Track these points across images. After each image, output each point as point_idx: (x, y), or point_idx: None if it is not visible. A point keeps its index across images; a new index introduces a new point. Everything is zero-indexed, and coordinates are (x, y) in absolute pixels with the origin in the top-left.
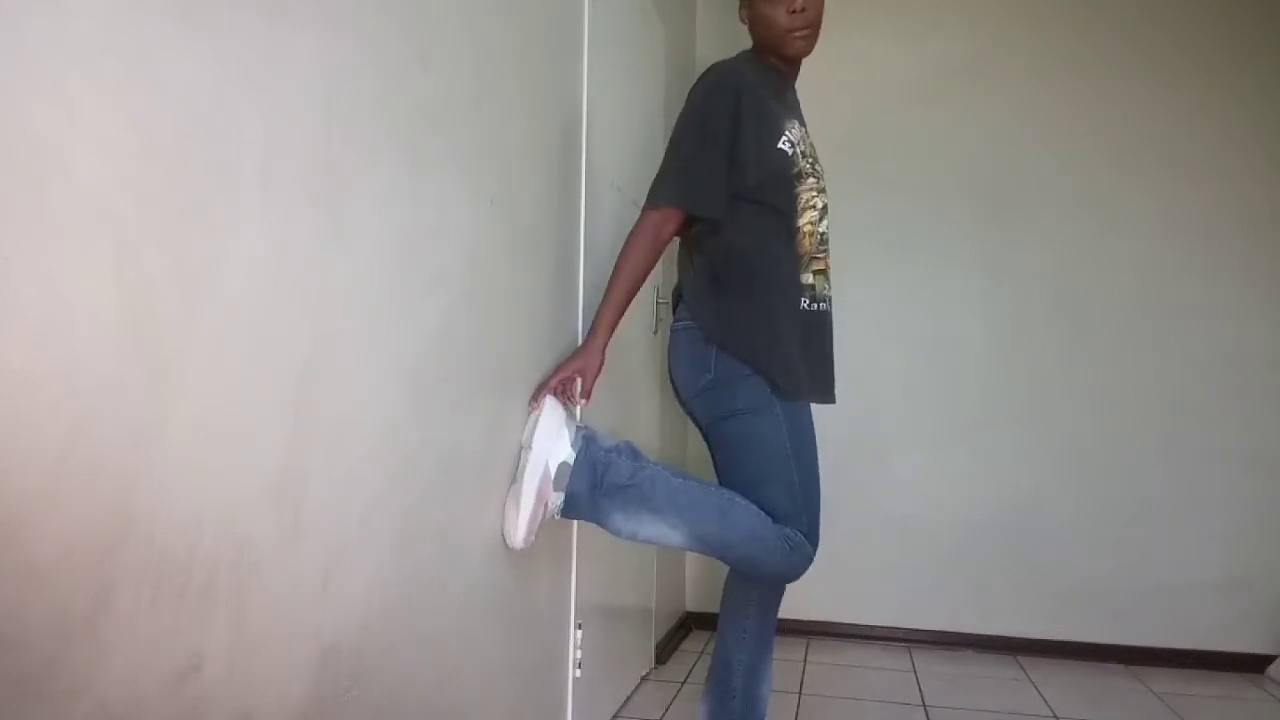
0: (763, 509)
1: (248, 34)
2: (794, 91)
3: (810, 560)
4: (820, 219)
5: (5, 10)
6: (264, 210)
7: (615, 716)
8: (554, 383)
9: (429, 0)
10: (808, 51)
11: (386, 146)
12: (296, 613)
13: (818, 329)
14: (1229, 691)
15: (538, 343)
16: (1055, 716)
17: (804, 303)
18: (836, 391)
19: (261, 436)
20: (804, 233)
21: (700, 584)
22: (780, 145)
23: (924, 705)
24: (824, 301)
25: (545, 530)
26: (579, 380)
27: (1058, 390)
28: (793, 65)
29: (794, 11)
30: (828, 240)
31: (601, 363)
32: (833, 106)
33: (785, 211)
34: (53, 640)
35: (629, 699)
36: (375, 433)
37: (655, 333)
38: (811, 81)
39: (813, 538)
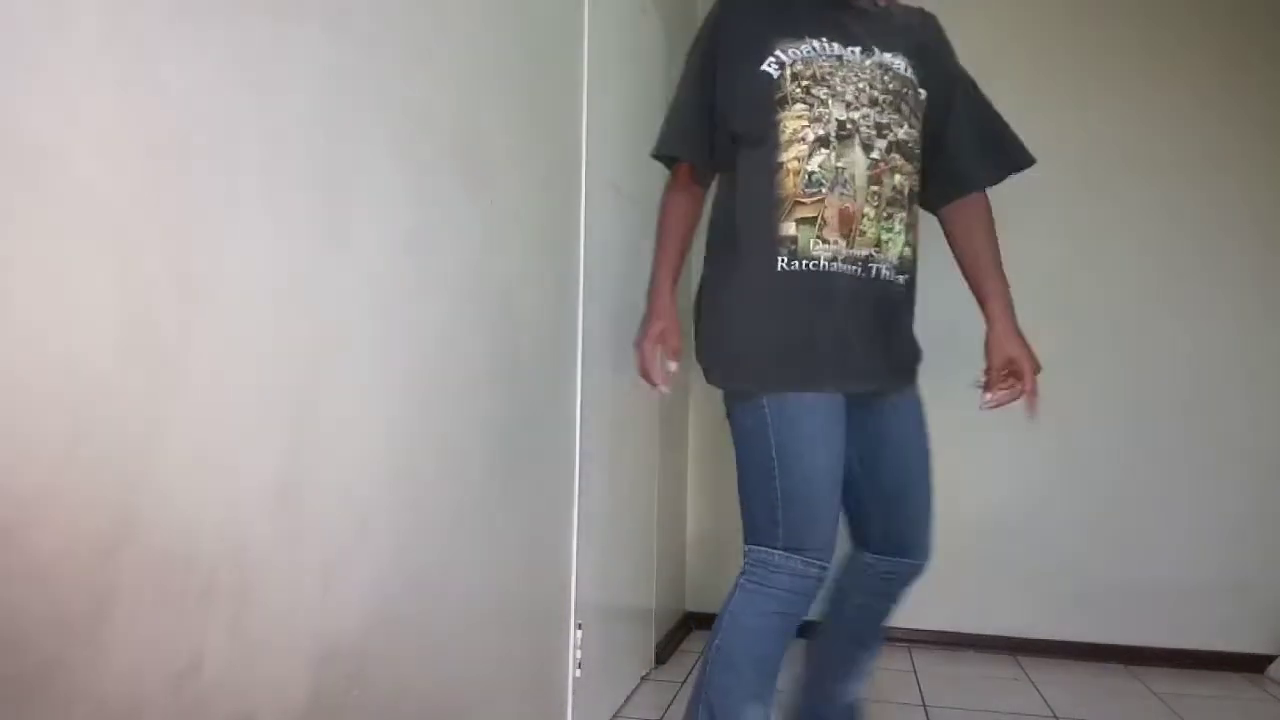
0: (746, 528)
1: (248, 34)
2: (859, 11)
3: (817, 579)
4: (811, 153)
5: (5, 10)
6: (264, 210)
7: (615, 716)
8: (648, 352)
9: (429, 0)
10: None
11: (386, 146)
12: (296, 613)
13: (832, 292)
14: (1229, 691)
15: (538, 343)
16: (1055, 716)
17: (781, 261)
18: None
19: (262, 437)
20: (786, 170)
21: (700, 584)
22: (764, 67)
23: (924, 705)
24: (826, 260)
25: (545, 530)
26: (666, 343)
27: (1058, 390)
28: None
29: None
30: (825, 181)
31: (673, 317)
32: None
33: (765, 146)
34: (53, 640)
35: (629, 699)
36: (375, 433)
37: None
38: None
39: (821, 549)
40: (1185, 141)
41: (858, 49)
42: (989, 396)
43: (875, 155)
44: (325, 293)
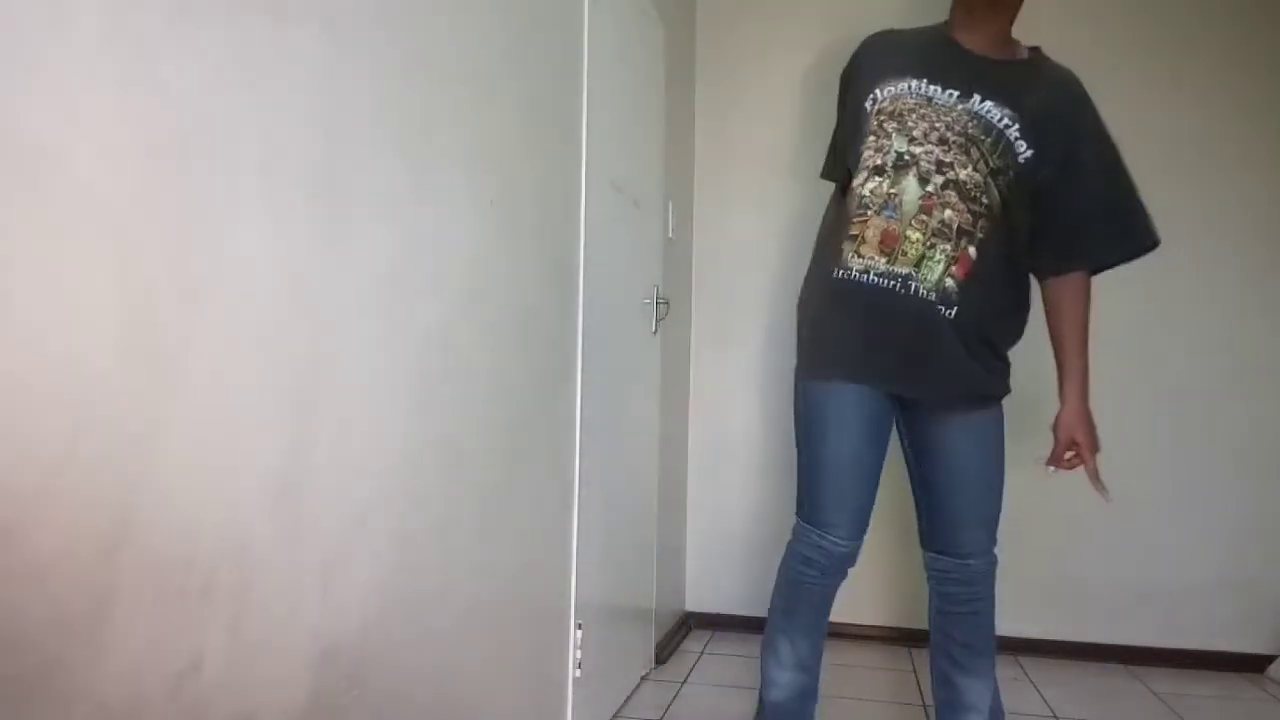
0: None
1: (248, 34)
2: (978, 59)
3: (828, 553)
4: (867, 180)
5: (5, 11)
6: (264, 210)
7: (615, 716)
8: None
9: (428, 0)
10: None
11: (386, 147)
12: (296, 613)
13: (868, 301)
14: (1229, 691)
15: (538, 343)
16: (1055, 716)
17: (835, 272)
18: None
19: (261, 437)
20: (852, 193)
21: (700, 584)
22: (865, 103)
23: (924, 705)
24: (859, 271)
25: (545, 530)
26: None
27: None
28: (989, 20)
29: None
30: (873, 205)
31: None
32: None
33: (852, 172)
34: (53, 640)
35: (629, 699)
36: (375, 433)
37: (654, 332)
38: (813, 81)
39: (836, 526)
40: (1185, 142)
41: (955, 93)
42: (1051, 469)
43: (930, 188)
44: (325, 293)
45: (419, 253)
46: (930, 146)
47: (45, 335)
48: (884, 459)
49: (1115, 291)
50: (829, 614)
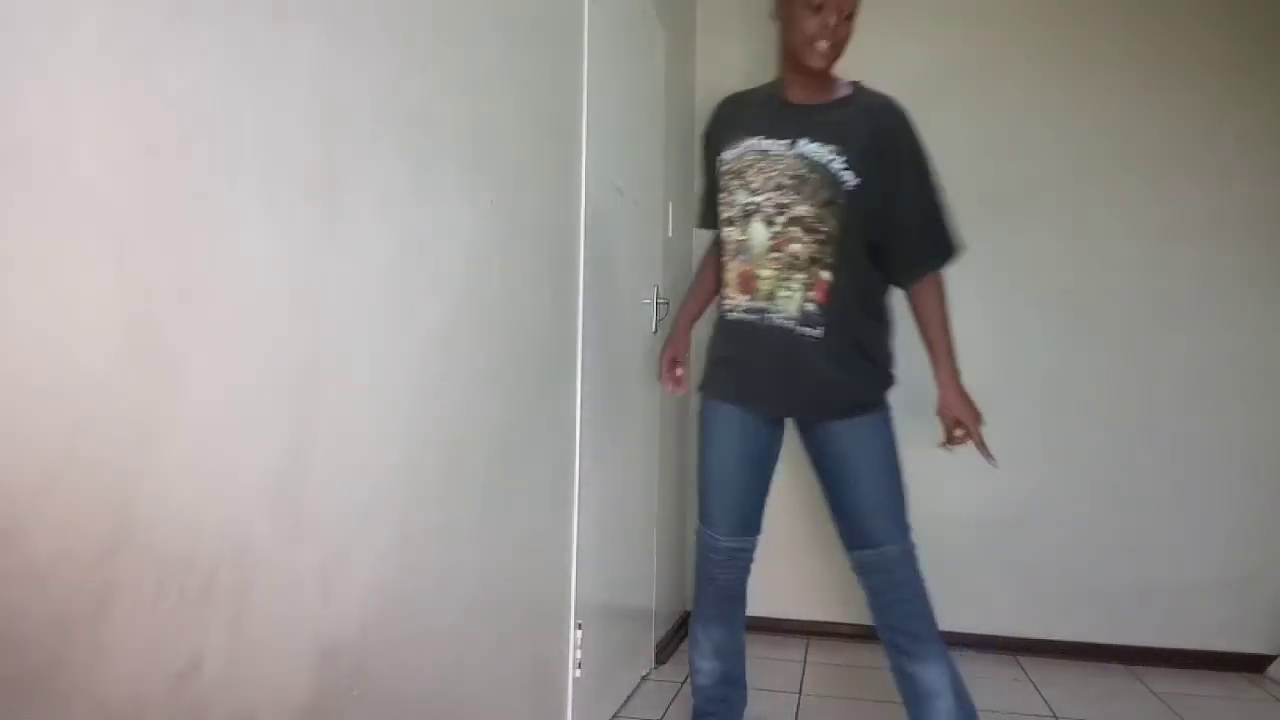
0: None
1: (248, 34)
2: (803, 108)
3: (713, 547)
4: (724, 229)
5: (5, 11)
6: (264, 210)
7: (615, 716)
8: (662, 366)
9: (429, 0)
10: (824, 66)
11: (386, 147)
12: (296, 613)
13: (740, 335)
14: (1229, 691)
15: (538, 343)
16: (1055, 716)
17: (719, 307)
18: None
19: (261, 436)
20: (721, 241)
21: None
22: (716, 164)
23: None
24: (729, 310)
25: (545, 530)
26: (673, 362)
27: (1058, 390)
28: (810, 78)
29: (824, 25)
30: (729, 251)
31: (681, 346)
32: None
33: (721, 220)
34: (53, 640)
35: (629, 699)
36: (375, 433)
37: (655, 332)
38: None
39: (717, 525)
40: (1184, 142)
41: (785, 142)
42: (949, 447)
43: (775, 228)
44: (325, 293)
45: (419, 253)
46: (769, 193)
47: (45, 335)
48: (767, 471)
49: (1115, 293)
50: (743, 606)
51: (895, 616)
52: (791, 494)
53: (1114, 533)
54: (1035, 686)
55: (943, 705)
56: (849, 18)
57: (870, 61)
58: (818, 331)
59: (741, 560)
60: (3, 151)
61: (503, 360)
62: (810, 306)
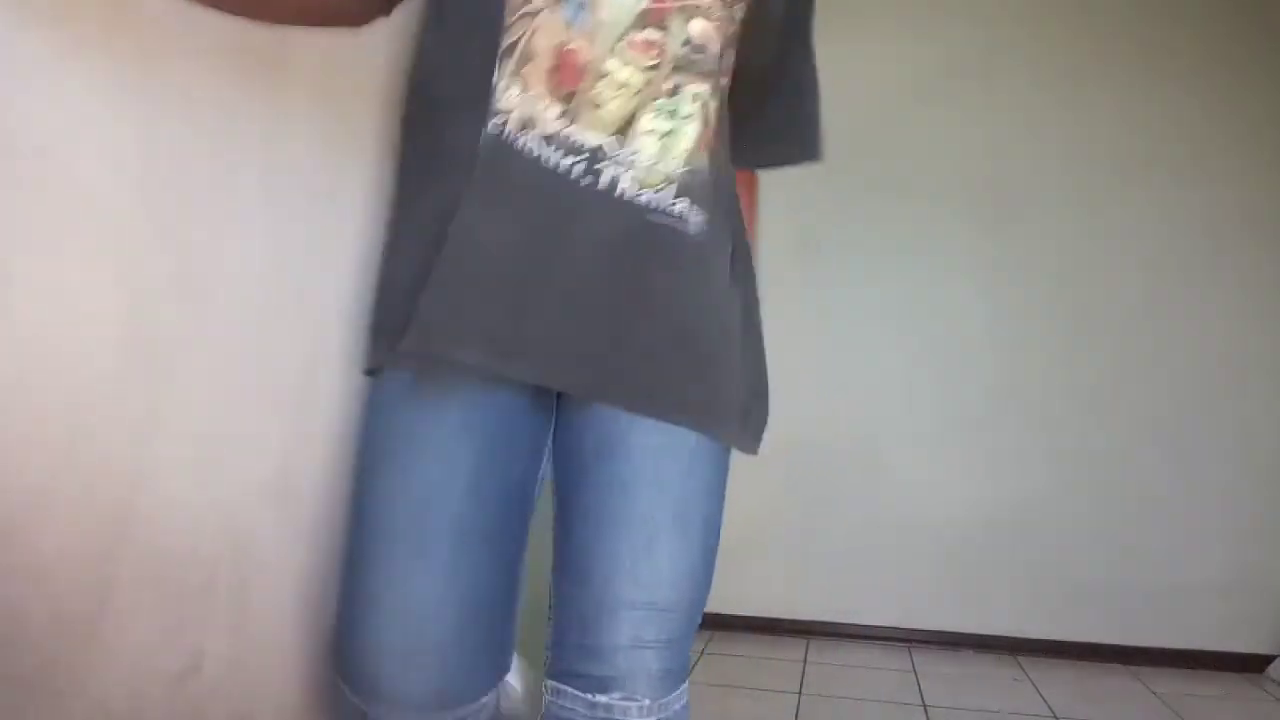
0: None
1: (248, 33)
2: None
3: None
4: None
5: (5, 11)
6: (264, 210)
7: None
8: None
9: None
10: None
11: (386, 146)
12: (297, 613)
13: (514, 200)
14: (1229, 691)
15: None
16: (1055, 716)
17: (467, 121)
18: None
19: (262, 436)
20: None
21: None
22: None
23: (924, 705)
24: (525, 136)
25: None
26: None
27: (1059, 390)
28: None
29: None
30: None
31: None
32: (832, 107)
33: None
34: (53, 640)
35: None
36: None
37: None
38: None
39: (384, 681)
40: (1185, 143)
41: None
42: None
43: None
44: (324, 292)
45: None
46: None
47: (45, 335)
48: (525, 510)
49: (1114, 293)
50: None
51: None
52: (788, 487)
53: (1114, 533)
54: (1035, 686)
55: None
56: None
57: (870, 64)
58: (699, 221)
59: None
60: (3, 151)
61: None
62: (699, 164)
